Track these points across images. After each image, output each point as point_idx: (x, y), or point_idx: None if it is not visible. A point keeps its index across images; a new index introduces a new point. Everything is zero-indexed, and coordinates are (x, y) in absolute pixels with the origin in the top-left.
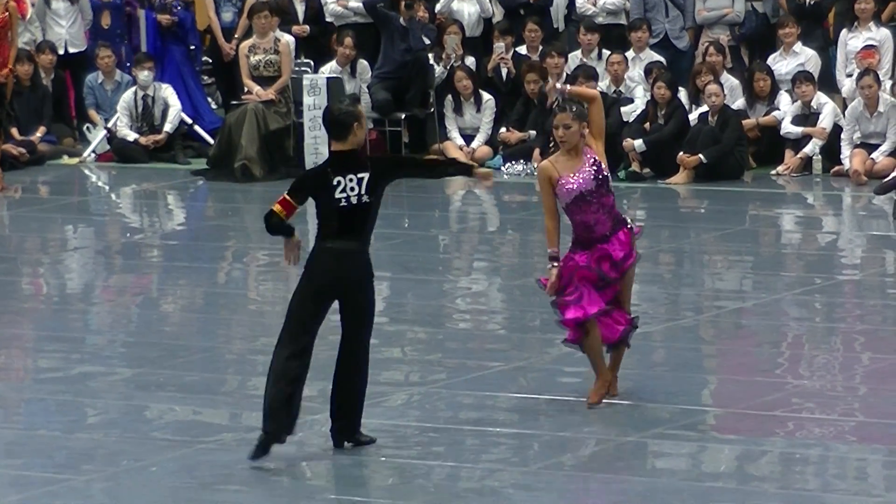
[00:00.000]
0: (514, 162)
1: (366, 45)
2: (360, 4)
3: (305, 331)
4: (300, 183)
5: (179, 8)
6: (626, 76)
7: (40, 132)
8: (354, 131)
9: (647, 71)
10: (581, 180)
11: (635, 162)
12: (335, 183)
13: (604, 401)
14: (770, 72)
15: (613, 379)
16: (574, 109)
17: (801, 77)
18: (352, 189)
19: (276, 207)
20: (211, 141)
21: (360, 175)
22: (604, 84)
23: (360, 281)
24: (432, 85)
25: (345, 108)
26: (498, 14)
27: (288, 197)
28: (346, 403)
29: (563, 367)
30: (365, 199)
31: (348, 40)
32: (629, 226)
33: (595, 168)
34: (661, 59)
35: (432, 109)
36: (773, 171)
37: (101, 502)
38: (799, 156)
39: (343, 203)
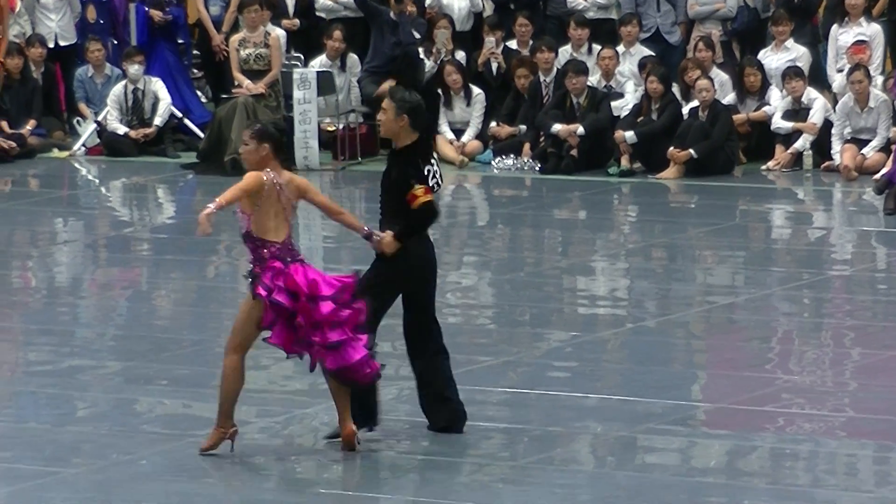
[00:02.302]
0: (504, 156)
1: (356, 39)
2: None
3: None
4: (417, 172)
5: (173, 5)
6: (616, 71)
7: (30, 125)
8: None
9: (642, 65)
10: None
11: (625, 156)
12: (426, 172)
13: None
14: (761, 67)
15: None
16: (256, 128)
17: (792, 72)
18: (433, 175)
19: (429, 198)
20: (201, 134)
21: (434, 158)
22: (594, 79)
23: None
24: (422, 79)
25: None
26: (488, 8)
27: (426, 186)
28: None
29: (552, 362)
30: (441, 181)
31: (337, 34)
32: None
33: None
34: (652, 53)
35: None
36: (764, 167)
37: (90, 496)
38: (789, 151)
39: (435, 190)
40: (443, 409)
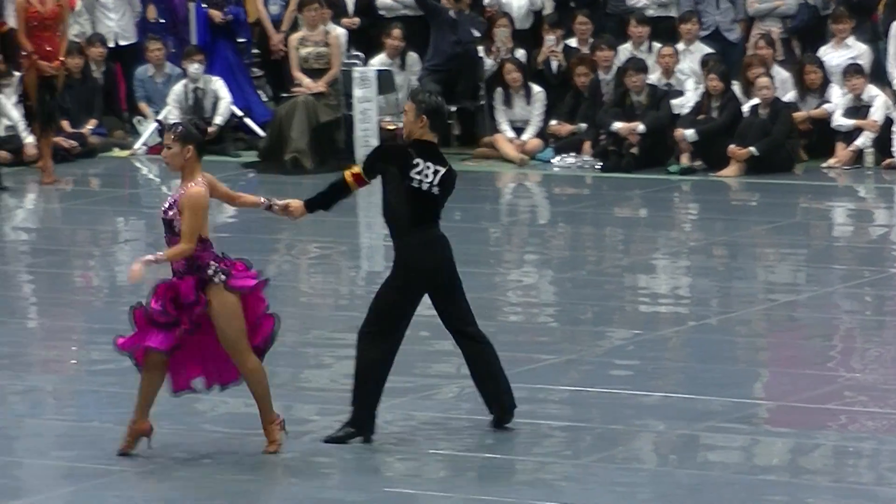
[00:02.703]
0: (564, 154)
1: (415, 37)
2: None
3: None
4: (375, 154)
5: (232, 4)
6: (676, 69)
7: (91, 125)
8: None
9: (704, 63)
10: (164, 206)
11: (685, 154)
12: (415, 163)
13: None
14: (821, 64)
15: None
16: (179, 130)
17: (852, 70)
18: (426, 176)
19: (348, 176)
20: (261, 133)
21: (437, 168)
22: (654, 76)
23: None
24: (482, 77)
25: (438, 99)
26: (548, 6)
27: (360, 173)
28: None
29: (614, 360)
30: (435, 190)
31: (396, 32)
32: (213, 278)
33: (169, 204)
34: (713, 51)
35: (482, 102)
36: (825, 164)
37: (153, 495)
38: (850, 148)
39: (416, 186)
40: (494, 406)
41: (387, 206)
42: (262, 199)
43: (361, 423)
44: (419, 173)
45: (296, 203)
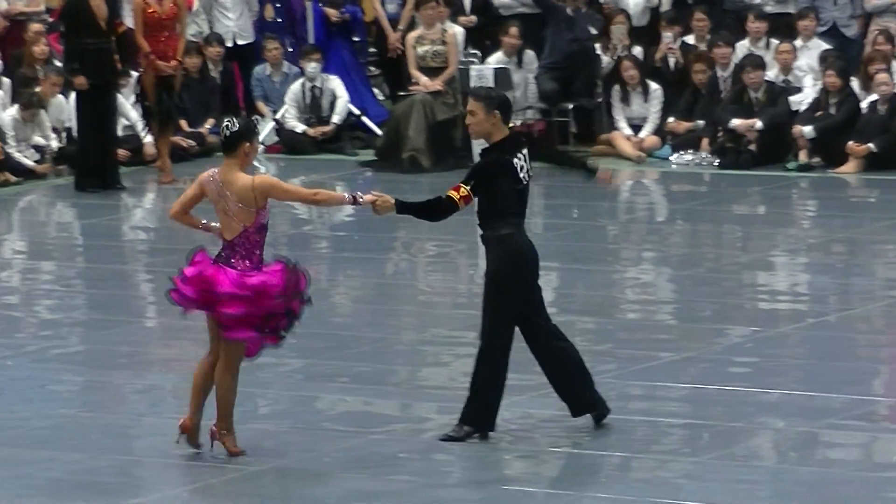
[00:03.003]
0: (682, 152)
1: (532, 35)
2: None
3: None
4: (481, 174)
5: (349, 3)
6: (794, 65)
7: (209, 124)
8: None
9: (823, 59)
10: None
11: (803, 151)
12: (515, 164)
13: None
14: None
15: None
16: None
17: None
18: (521, 167)
19: (459, 200)
20: (379, 132)
21: (524, 152)
22: (772, 73)
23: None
24: (599, 75)
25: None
26: (665, 3)
27: (468, 190)
28: (572, 381)
29: (733, 357)
30: (531, 173)
31: (513, 30)
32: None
33: None
34: (830, 47)
35: (600, 99)
36: None
37: (272, 492)
38: None
39: (524, 183)
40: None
41: (494, 205)
42: (347, 196)
43: (481, 421)
44: (521, 170)
45: (385, 199)
